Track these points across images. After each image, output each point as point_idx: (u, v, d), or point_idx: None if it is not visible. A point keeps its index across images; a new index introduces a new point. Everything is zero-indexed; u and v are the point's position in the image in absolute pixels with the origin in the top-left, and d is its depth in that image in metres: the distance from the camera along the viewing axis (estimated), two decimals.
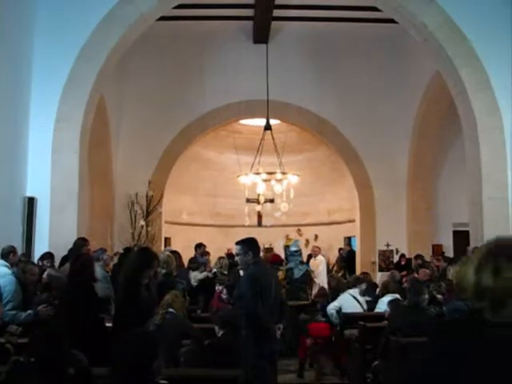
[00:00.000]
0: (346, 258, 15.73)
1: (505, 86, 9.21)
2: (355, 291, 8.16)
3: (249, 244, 5.40)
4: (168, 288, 5.93)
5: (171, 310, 5.15)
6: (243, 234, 14.33)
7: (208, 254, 10.99)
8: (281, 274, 10.15)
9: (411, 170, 14.68)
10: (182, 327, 5.05)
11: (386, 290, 8.01)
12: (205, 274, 9.11)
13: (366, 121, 14.62)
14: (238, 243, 5.42)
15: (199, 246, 11.30)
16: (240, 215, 14.83)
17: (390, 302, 6.87)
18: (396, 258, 14.31)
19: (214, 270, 9.38)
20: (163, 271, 6.87)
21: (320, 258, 14.52)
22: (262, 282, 5.22)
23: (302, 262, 11.79)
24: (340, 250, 16.40)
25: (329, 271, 14.56)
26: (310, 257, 15.23)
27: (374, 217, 14.91)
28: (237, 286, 5.94)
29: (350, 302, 8.02)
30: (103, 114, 12.34)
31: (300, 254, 11.89)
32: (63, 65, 9.13)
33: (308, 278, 11.68)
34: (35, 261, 7.95)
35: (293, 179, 13.84)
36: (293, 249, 11.85)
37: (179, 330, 4.90)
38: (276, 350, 5.33)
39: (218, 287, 7.85)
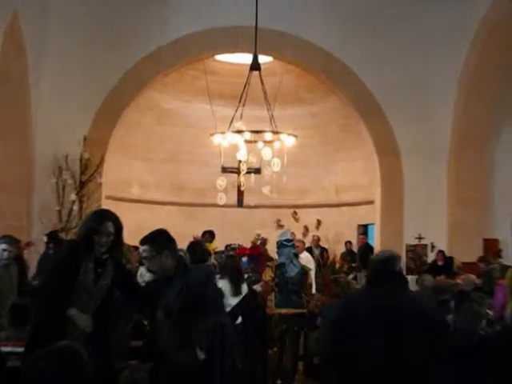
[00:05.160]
0: (361, 256, 14.21)
1: None
2: None
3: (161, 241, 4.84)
4: None
5: None
6: (216, 217, 14.24)
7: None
8: (268, 273, 9.12)
9: (456, 133, 13.39)
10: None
11: None
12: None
13: (394, 62, 13.24)
14: (143, 242, 4.76)
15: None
16: (212, 190, 13.42)
17: None
18: (432, 257, 13.31)
19: None
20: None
21: (305, 255, 12.82)
22: None
23: (296, 255, 10.21)
24: (347, 243, 15.32)
25: (333, 272, 12.86)
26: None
27: (401, 197, 13.69)
28: None
29: None
30: (17, 40, 11.21)
31: (293, 245, 10.25)
32: None
33: (304, 277, 10.02)
34: None
35: (288, 141, 12.08)
36: (283, 238, 9.97)
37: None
38: None
39: None
